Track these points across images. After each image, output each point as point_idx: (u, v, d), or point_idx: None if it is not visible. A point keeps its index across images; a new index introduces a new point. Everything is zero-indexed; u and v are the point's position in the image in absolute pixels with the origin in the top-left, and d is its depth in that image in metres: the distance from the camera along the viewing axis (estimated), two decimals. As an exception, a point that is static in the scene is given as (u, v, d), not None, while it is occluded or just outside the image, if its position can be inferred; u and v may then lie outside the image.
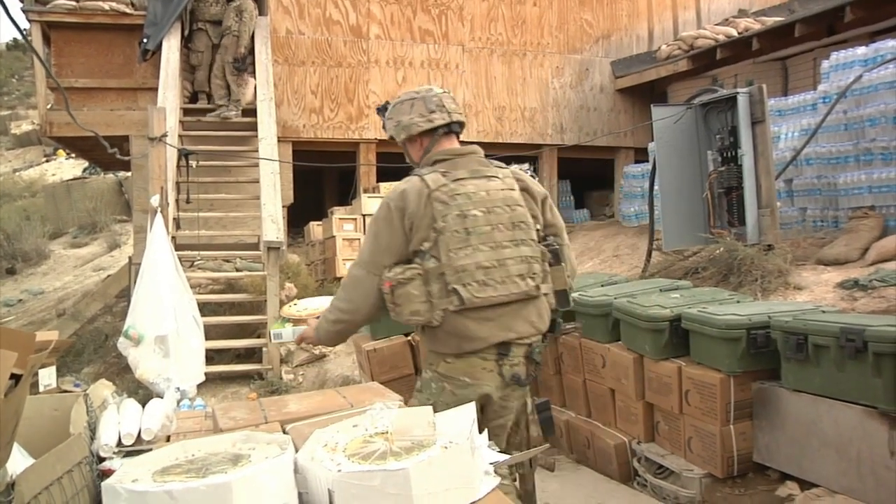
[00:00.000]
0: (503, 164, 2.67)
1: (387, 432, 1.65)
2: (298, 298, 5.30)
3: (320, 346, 6.55)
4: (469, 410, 1.71)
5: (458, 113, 2.62)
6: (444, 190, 2.43)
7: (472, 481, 1.56)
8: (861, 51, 5.90)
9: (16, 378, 1.44)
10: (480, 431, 2.55)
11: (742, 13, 10.39)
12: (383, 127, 2.77)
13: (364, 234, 7.79)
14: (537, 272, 2.51)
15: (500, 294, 2.41)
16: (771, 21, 8.71)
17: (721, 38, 9.05)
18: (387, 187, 8.66)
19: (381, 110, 2.79)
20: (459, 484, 1.53)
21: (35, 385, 3.60)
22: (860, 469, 3.08)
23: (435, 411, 2.23)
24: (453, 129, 2.61)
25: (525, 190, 2.59)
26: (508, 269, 2.43)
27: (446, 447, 1.53)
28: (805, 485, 3.34)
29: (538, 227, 2.59)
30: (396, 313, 2.43)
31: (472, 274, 2.38)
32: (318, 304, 2.80)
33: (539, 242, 2.57)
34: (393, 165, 7.78)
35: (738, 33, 8.94)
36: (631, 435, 4.25)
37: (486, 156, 2.69)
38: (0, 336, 1.45)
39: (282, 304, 6.65)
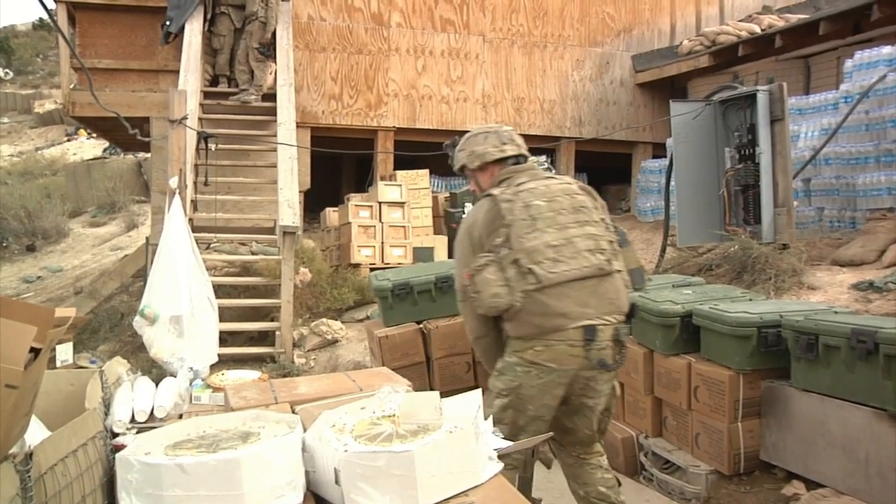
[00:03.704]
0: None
1: (394, 415, 1.68)
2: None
3: (332, 334, 6.61)
4: (476, 397, 1.73)
5: (524, 148, 2.93)
6: (508, 193, 2.69)
7: (476, 466, 1.59)
8: (886, 50, 5.83)
9: (35, 352, 1.48)
10: (566, 410, 2.72)
11: (766, 10, 10.29)
12: (450, 161, 3.07)
13: (380, 221, 7.85)
14: (606, 248, 2.67)
15: (573, 268, 2.57)
16: (795, 18, 8.62)
17: (744, 34, 8.97)
18: (404, 175, 8.68)
19: (451, 146, 3.10)
20: (463, 468, 1.55)
21: (52, 360, 3.67)
22: (867, 470, 3.08)
23: (520, 392, 2.52)
24: (519, 161, 2.88)
25: (585, 191, 2.83)
26: (576, 245, 2.61)
27: (451, 432, 1.56)
28: (811, 484, 3.34)
29: (604, 217, 2.80)
30: (479, 301, 2.61)
31: (543, 252, 2.56)
32: (240, 376, 3.13)
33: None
34: (410, 154, 7.85)
35: (762, 30, 8.86)
36: (639, 429, 4.26)
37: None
38: (21, 310, 1.49)
39: (296, 288, 6.70)
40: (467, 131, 3.04)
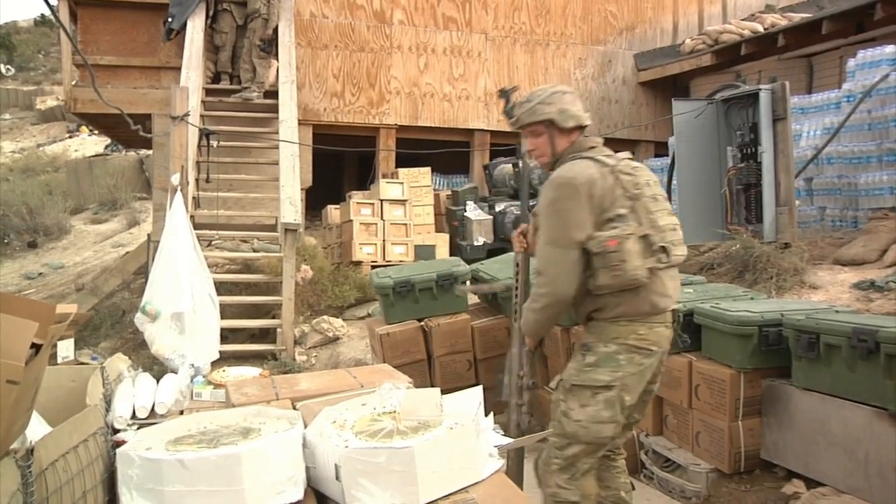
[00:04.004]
0: None
1: (394, 412, 1.68)
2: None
3: (334, 331, 6.61)
4: (476, 394, 1.74)
5: None
6: (622, 165, 2.56)
7: (476, 462, 1.59)
8: (889, 49, 5.82)
9: (36, 348, 1.48)
10: (640, 402, 2.64)
11: (769, 9, 10.28)
12: (508, 110, 2.89)
13: (381, 218, 7.82)
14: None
15: (680, 254, 2.59)
16: (798, 17, 8.61)
17: (746, 33, 8.96)
18: (406, 173, 8.67)
19: (508, 92, 2.99)
20: (463, 464, 1.55)
21: (53, 357, 3.68)
22: (867, 470, 3.08)
23: (625, 382, 2.43)
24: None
25: None
26: (678, 233, 2.61)
27: (452, 428, 1.56)
28: (811, 483, 3.34)
29: None
30: (621, 271, 2.44)
31: (668, 234, 2.52)
32: (241, 373, 3.10)
33: None
34: (411, 151, 7.85)
35: (764, 29, 8.85)
36: (639, 427, 4.25)
37: (508, 145, 2.80)
38: (22, 306, 1.49)
39: (297, 285, 6.71)
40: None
